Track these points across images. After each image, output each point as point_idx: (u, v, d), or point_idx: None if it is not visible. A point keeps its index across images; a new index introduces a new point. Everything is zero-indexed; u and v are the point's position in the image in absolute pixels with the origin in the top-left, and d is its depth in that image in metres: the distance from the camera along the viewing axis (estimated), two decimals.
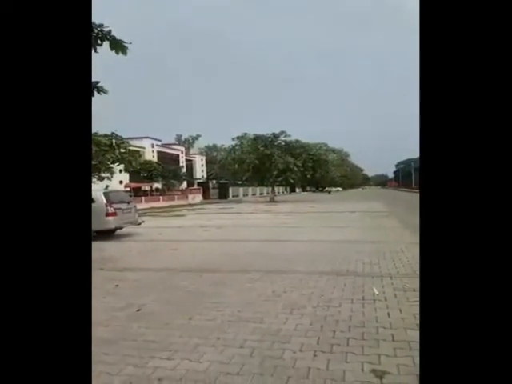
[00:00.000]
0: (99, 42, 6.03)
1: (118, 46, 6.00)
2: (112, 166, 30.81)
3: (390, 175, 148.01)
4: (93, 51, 6.08)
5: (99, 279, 5.99)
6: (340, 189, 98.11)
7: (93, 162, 28.26)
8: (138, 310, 4.51)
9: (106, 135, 29.78)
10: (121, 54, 6.08)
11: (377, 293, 5.04)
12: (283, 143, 42.95)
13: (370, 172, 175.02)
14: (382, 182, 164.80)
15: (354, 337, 3.63)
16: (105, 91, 6.83)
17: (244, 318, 4.17)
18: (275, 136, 42.35)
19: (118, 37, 5.96)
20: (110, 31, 5.96)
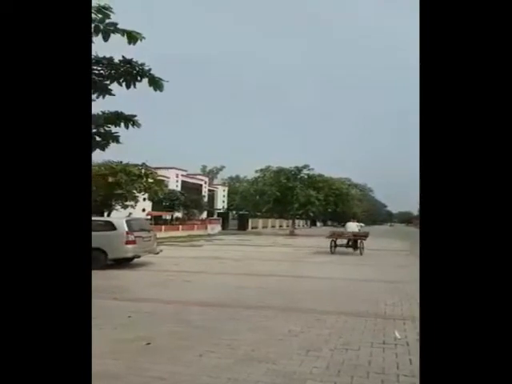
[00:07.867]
0: (139, 78, 6.46)
1: (156, 83, 6.39)
2: (138, 194, 31.34)
3: (415, 213, 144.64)
4: (132, 87, 6.49)
5: (113, 309, 5.90)
6: (363, 224, 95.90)
7: (120, 191, 28.85)
8: (148, 344, 4.37)
9: (136, 165, 30.60)
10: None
11: (399, 337, 4.77)
12: (306, 176, 42.94)
13: (394, 208, 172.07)
14: (406, 219, 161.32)
15: None
16: (138, 125, 7.10)
17: (257, 358, 3.98)
18: (298, 169, 42.42)
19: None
20: (150, 69, 6.42)
